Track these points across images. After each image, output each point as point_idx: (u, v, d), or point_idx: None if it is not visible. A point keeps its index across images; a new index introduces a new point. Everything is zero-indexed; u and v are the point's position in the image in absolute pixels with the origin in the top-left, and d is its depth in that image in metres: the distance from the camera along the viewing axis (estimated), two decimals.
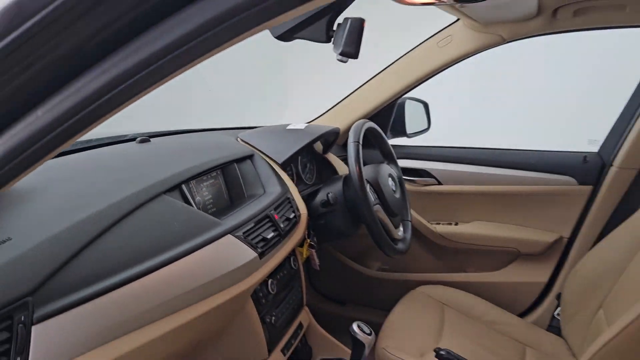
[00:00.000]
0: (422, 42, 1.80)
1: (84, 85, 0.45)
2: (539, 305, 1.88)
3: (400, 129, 2.12)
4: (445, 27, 1.74)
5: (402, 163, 2.01)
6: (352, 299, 2.16)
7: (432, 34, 1.79)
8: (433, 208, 1.99)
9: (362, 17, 1.11)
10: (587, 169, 1.79)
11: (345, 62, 1.13)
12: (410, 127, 2.16)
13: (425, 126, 2.23)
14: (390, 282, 2.03)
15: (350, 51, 1.02)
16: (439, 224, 1.99)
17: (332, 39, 1.10)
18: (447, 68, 1.78)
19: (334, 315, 2.17)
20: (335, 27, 1.11)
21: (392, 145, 2.08)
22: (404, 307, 1.65)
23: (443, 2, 1.12)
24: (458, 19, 1.70)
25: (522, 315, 1.90)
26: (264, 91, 2.99)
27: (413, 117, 2.20)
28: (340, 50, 1.03)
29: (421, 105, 2.22)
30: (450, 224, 1.99)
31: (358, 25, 1.03)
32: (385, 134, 2.07)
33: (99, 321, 0.78)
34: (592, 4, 1.44)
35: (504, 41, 1.65)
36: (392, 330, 1.53)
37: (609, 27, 1.56)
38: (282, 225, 1.27)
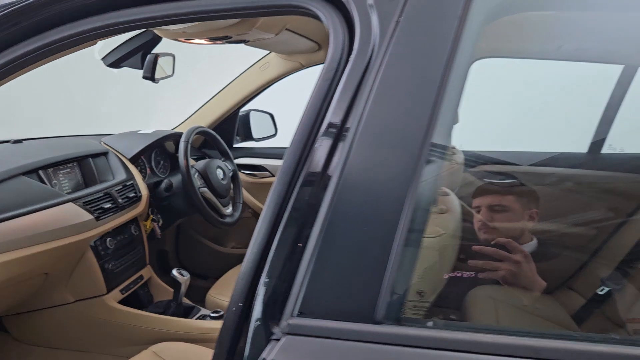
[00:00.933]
0: (251, 66, 2.35)
1: None
2: None
3: (247, 135, 2.65)
4: (265, 55, 2.30)
5: (245, 161, 2.55)
6: (212, 273, 2.65)
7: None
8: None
9: None
10: None
11: (155, 82, 1.66)
12: (257, 133, 2.70)
13: (272, 132, 2.79)
14: (241, 257, 2.54)
15: (148, 76, 1.55)
16: None
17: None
18: (268, 86, 2.34)
19: (198, 288, 2.66)
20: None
21: (242, 146, 2.61)
22: (236, 269, 2.17)
23: (214, 42, 1.66)
24: None
25: None
26: (131, 102, 3.45)
27: (260, 125, 2.74)
28: (142, 75, 1.55)
29: (268, 116, 2.78)
30: None
31: (153, 60, 1.55)
32: (234, 138, 2.61)
33: None
34: None
35: (303, 67, 2.24)
36: (221, 284, 2.05)
37: None
38: (120, 201, 1.75)
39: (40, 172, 1.61)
